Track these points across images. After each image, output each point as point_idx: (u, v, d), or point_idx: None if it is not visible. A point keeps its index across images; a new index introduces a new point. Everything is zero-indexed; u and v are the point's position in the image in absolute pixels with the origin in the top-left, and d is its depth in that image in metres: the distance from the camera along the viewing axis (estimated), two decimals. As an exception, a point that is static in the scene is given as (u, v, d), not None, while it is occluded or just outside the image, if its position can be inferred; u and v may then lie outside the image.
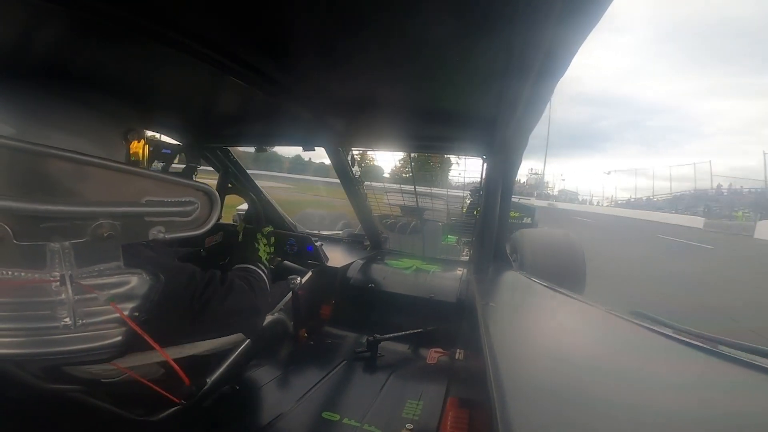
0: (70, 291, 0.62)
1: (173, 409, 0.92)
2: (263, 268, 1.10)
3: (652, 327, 0.72)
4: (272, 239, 1.32)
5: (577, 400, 0.47)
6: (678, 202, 32.88)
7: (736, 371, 0.56)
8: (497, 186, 1.41)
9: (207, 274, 0.84)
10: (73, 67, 0.78)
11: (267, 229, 1.32)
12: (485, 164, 1.57)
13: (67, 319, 0.63)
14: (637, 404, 0.46)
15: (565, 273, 2.59)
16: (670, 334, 0.67)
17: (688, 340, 0.64)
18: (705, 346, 0.61)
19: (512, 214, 8.41)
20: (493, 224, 1.45)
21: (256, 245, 1.22)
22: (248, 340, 1.09)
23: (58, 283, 0.62)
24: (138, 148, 0.78)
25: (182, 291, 0.77)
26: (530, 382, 0.53)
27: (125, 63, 0.80)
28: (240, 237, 1.29)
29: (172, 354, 0.83)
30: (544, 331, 0.84)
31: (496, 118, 1.11)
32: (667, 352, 0.65)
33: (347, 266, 1.93)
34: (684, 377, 0.57)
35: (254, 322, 0.96)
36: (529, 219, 8.83)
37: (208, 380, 0.99)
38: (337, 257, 1.99)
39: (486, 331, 0.69)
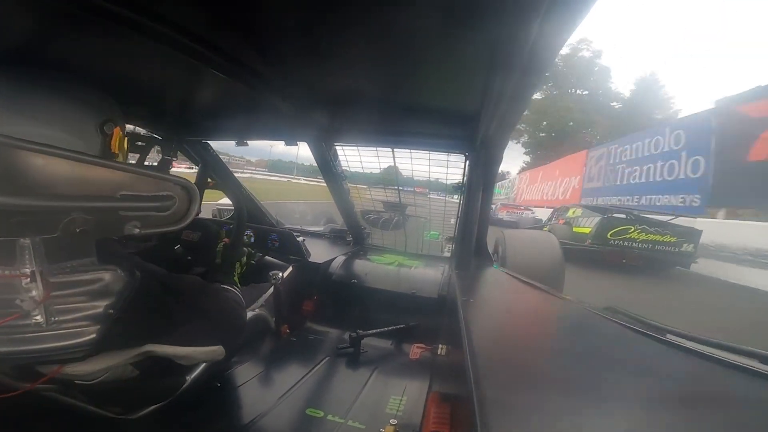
0: (41, 288, 0.60)
1: (153, 407, 0.90)
2: (237, 290, 1.10)
3: (624, 322, 0.75)
4: (244, 260, 1.38)
5: (552, 392, 0.48)
6: None
7: (699, 363, 0.59)
8: (479, 183, 1.43)
9: (185, 279, 0.84)
10: (46, 54, 0.75)
11: (244, 259, 1.37)
12: (467, 161, 1.58)
13: (39, 317, 0.61)
14: (609, 395, 0.48)
15: (545, 271, 2.66)
16: (642, 329, 0.70)
17: (658, 335, 0.67)
18: (673, 341, 0.65)
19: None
20: (475, 221, 1.48)
21: (233, 272, 1.26)
22: None
23: (29, 279, 0.59)
24: (116, 139, 0.76)
25: (156, 289, 0.75)
26: (509, 375, 0.54)
27: (101, 52, 0.77)
28: (218, 258, 1.28)
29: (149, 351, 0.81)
30: (523, 326, 0.86)
31: (479, 115, 1.12)
32: (638, 345, 0.68)
33: (329, 261, 1.92)
34: (652, 369, 0.59)
35: (235, 338, 0.95)
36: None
37: (188, 378, 0.97)
38: (319, 252, 1.98)
39: (466, 326, 0.71)
